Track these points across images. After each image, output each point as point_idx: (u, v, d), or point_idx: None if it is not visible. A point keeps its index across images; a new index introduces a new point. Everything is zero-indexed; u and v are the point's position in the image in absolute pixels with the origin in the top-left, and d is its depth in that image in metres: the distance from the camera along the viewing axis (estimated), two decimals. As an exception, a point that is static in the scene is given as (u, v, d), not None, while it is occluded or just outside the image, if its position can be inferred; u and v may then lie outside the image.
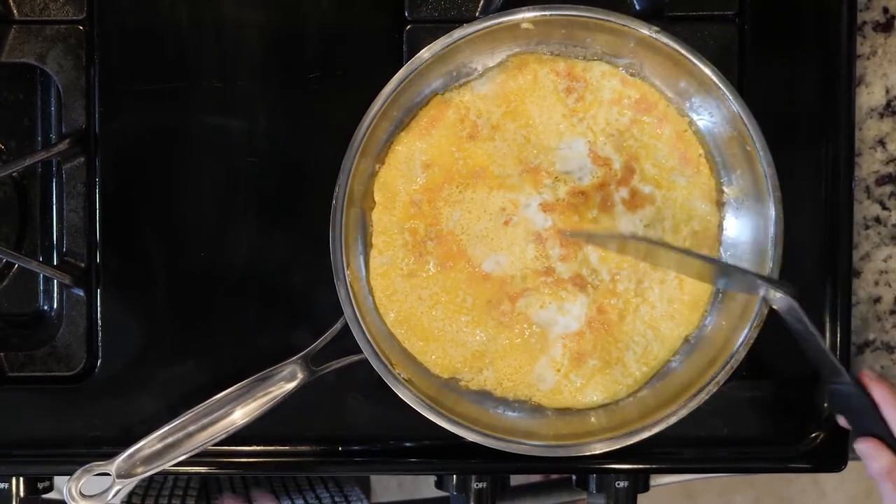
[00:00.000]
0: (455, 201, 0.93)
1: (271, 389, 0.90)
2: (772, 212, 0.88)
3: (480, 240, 0.93)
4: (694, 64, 0.88)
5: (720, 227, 0.93)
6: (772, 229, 0.88)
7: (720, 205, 0.93)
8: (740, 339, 0.89)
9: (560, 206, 0.92)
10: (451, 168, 0.93)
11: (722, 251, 0.93)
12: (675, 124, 0.93)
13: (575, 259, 0.92)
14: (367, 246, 0.93)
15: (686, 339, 0.93)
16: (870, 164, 0.99)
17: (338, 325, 0.91)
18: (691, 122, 0.92)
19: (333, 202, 0.88)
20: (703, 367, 0.91)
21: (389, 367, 0.89)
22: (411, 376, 0.90)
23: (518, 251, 0.92)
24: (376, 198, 0.93)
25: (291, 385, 0.91)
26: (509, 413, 0.93)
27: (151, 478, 1.15)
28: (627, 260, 0.92)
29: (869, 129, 0.98)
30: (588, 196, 0.92)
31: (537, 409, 0.94)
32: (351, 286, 0.89)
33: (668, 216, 0.93)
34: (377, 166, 0.93)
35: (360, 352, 0.89)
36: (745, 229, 0.92)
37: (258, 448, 0.96)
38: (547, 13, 0.88)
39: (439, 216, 0.93)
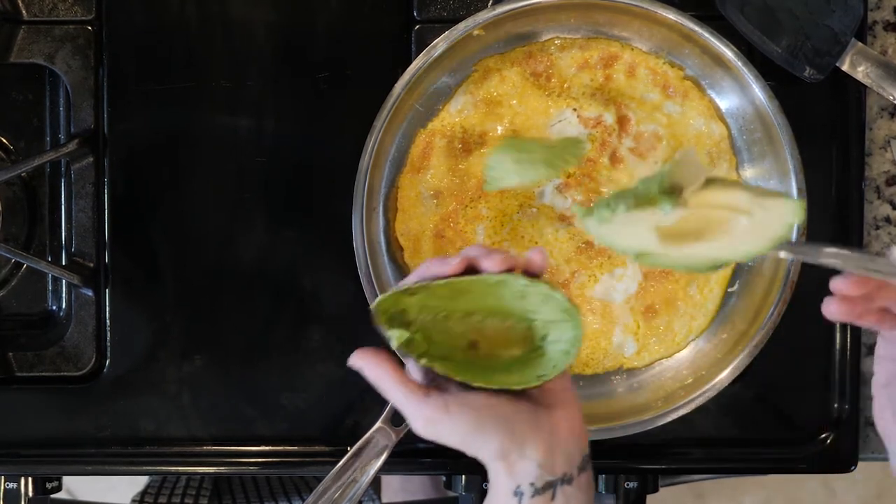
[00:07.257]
0: (474, 217, 0.93)
1: (367, 461, 0.91)
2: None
3: (512, 243, 0.93)
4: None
5: (731, 138, 0.93)
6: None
7: (723, 120, 0.93)
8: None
9: (573, 182, 0.93)
10: (459, 188, 0.93)
11: None
12: (646, 62, 0.93)
13: None
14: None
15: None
16: (880, 165, 0.98)
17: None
18: (663, 57, 0.93)
19: (356, 257, 0.90)
20: (761, 292, 0.92)
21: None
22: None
23: (551, 239, 0.93)
24: (401, 243, 0.94)
25: (385, 454, 0.91)
26: None
27: (164, 477, 1.15)
28: None
29: (879, 128, 0.98)
30: (595, 160, 0.93)
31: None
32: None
33: (680, 147, 0.93)
34: (390, 215, 0.93)
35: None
36: None
37: (268, 448, 0.96)
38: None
39: (466, 236, 0.93)
